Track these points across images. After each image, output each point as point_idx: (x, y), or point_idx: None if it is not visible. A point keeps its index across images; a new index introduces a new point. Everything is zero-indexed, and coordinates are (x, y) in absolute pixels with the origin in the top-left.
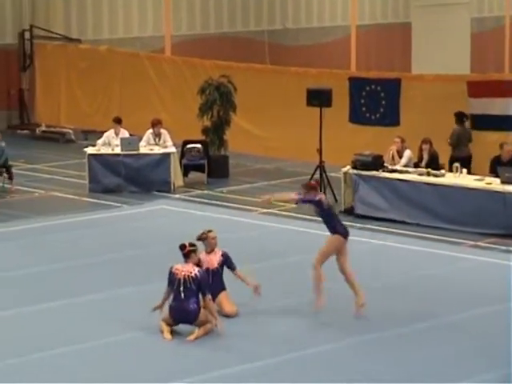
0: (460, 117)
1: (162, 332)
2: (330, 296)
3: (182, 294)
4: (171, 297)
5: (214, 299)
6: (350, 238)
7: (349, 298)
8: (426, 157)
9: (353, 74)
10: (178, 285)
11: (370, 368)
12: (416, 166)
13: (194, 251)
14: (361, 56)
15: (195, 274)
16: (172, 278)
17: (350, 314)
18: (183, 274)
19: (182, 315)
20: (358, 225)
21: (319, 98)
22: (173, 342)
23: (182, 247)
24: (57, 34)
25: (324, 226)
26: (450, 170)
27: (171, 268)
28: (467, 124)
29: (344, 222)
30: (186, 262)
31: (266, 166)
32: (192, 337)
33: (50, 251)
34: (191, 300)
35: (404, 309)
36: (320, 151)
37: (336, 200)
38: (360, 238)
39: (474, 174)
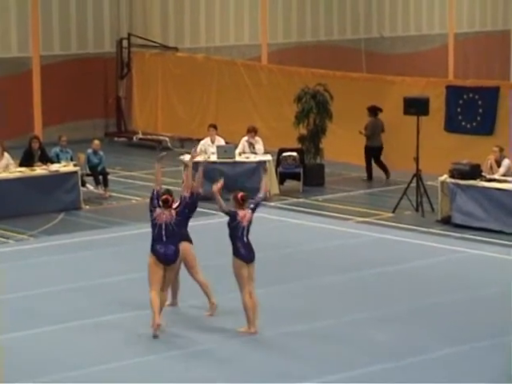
0: (373, 110)
1: None
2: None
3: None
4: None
5: None
6: (446, 247)
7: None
8: None
9: (450, 83)
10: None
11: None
12: None
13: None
14: (459, 64)
15: None
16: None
17: (448, 323)
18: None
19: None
20: (455, 234)
21: (416, 107)
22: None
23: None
24: (154, 42)
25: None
26: (367, 158)
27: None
28: (380, 116)
29: (441, 232)
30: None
31: (361, 175)
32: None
33: (144, 258)
34: None
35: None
36: (417, 160)
37: (433, 209)
38: (457, 247)
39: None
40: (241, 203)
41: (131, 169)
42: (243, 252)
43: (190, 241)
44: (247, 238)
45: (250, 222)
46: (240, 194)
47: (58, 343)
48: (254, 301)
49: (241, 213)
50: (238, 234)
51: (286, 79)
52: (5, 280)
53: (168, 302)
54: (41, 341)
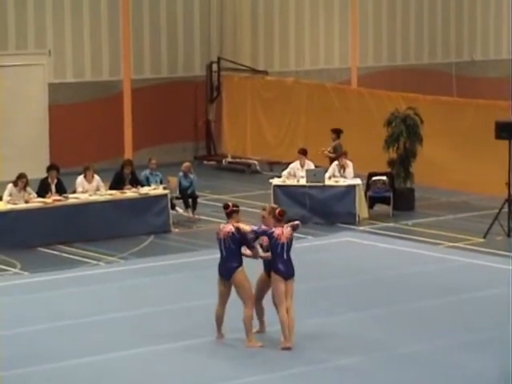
0: (338, 132)
1: None
2: None
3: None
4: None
5: None
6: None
7: None
8: None
9: None
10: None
11: None
12: None
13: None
14: None
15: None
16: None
17: None
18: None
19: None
20: None
21: (509, 131)
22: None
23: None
24: (244, 65)
25: None
26: None
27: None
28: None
29: None
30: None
31: (451, 200)
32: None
33: None
34: None
35: None
36: (509, 185)
37: None
38: None
39: None
40: (279, 219)
41: (220, 192)
42: (282, 268)
43: None
44: (287, 255)
45: (289, 239)
46: (278, 210)
47: (160, 363)
48: (292, 317)
49: (277, 230)
50: (277, 251)
51: (376, 103)
52: (96, 301)
53: (255, 329)
54: (143, 361)
